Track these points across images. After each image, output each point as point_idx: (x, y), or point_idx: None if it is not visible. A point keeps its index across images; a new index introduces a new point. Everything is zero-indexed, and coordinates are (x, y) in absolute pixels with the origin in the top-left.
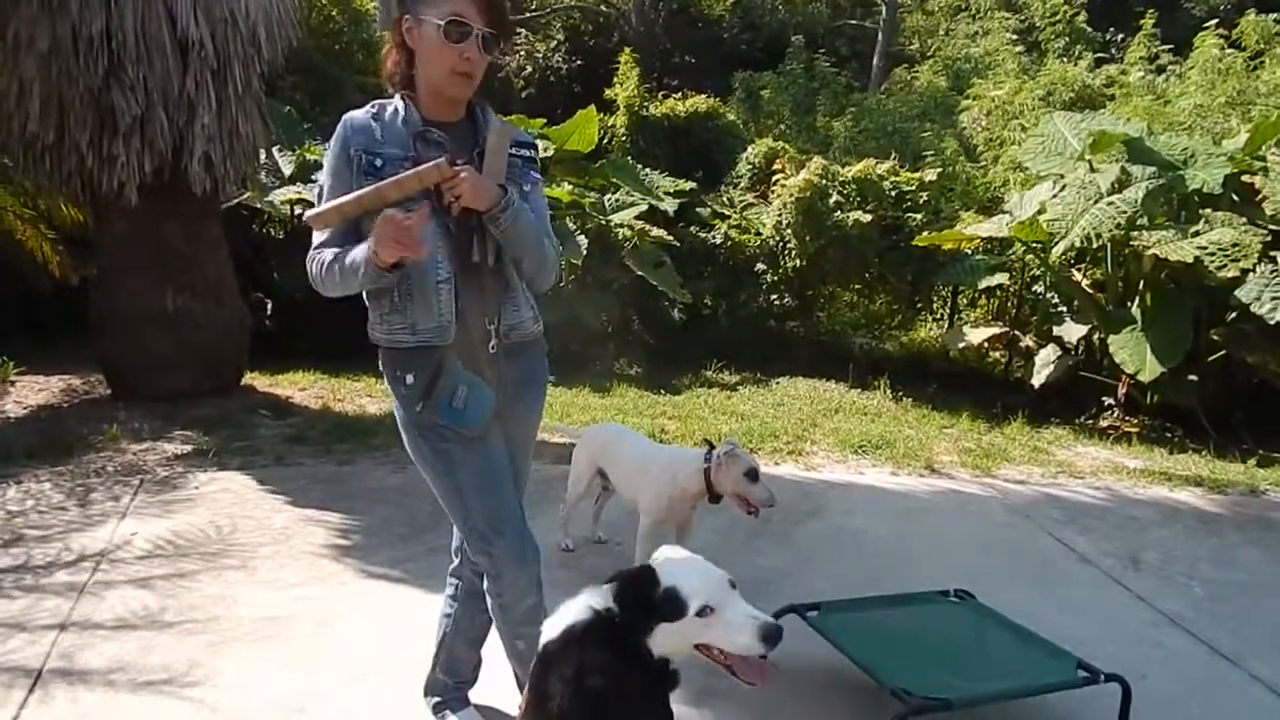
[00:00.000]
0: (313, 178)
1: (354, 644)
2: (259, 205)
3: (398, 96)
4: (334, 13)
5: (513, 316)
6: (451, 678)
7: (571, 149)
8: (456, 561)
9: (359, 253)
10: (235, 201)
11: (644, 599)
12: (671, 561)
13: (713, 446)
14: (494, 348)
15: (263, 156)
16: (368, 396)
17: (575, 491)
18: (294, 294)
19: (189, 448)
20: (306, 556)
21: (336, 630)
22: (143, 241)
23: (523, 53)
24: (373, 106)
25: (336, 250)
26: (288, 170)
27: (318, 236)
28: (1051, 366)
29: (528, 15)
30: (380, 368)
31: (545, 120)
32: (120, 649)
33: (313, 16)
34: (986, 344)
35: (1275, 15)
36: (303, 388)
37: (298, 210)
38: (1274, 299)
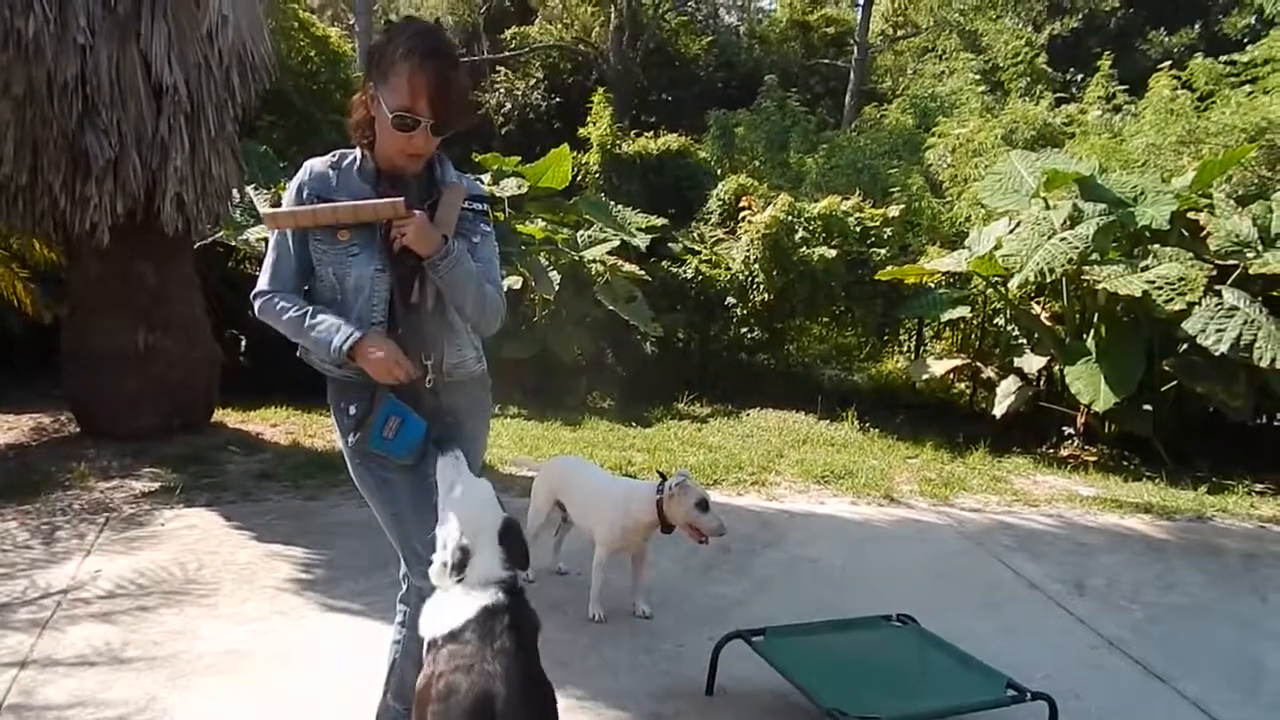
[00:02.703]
0: None
1: (314, 675)
2: (234, 243)
3: (359, 148)
4: (312, 53)
5: (455, 356)
6: (402, 703)
7: (546, 186)
8: (405, 588)
9: (335, 337)
10: (210, 240)
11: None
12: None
13: (665, 478)
14: (431, 382)
15: (237, 196)
16: (338, 433)
17: (535, 523)
18: (268, 331)
19: (156, 485)
20: (269, 591)
21: (297, 662)
22: (115, 281)
23: (502, 90)
24: (333, 156)
25: (302, 307)
26: (263, 208)
27: (266, 272)
28: (1013, 397)
29: (507, 54)
30: (328, 399)
31: (520, 158)
32: (80, 684)
33: (291, 57)
34: (951, 375)
35: (1224, 57)
36: (274, 424)
37: None
38: (1219, 331)
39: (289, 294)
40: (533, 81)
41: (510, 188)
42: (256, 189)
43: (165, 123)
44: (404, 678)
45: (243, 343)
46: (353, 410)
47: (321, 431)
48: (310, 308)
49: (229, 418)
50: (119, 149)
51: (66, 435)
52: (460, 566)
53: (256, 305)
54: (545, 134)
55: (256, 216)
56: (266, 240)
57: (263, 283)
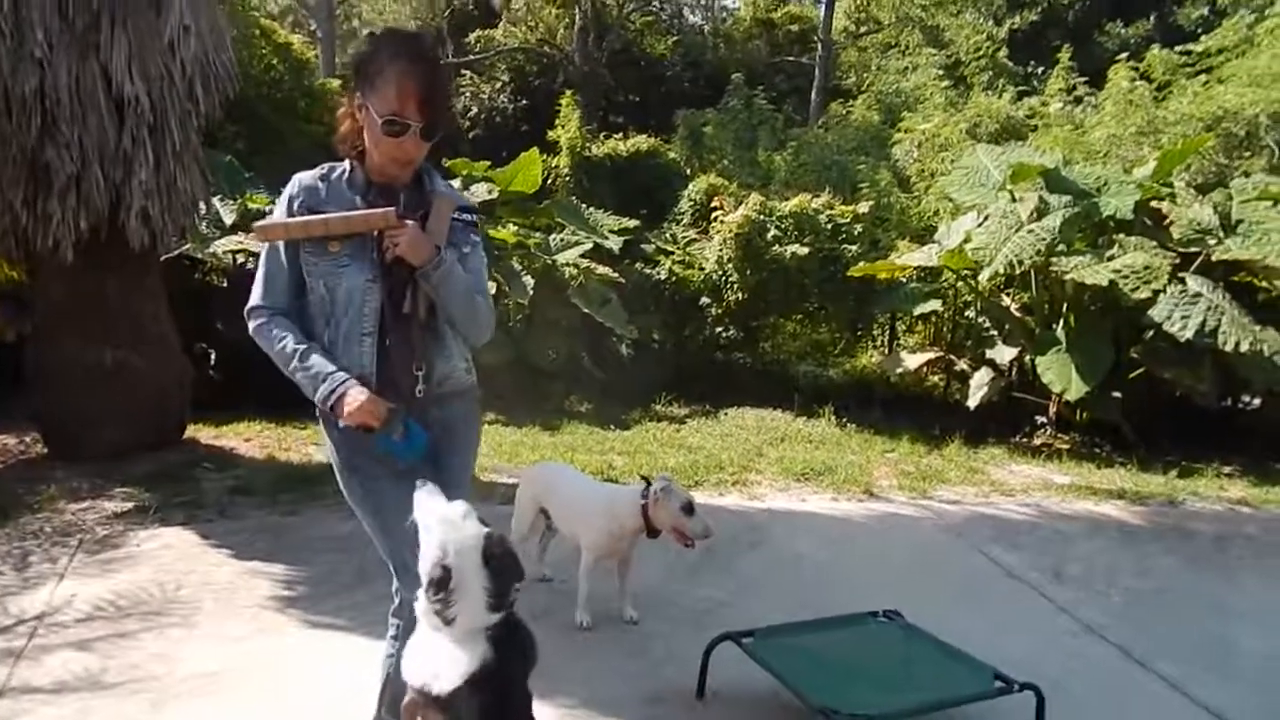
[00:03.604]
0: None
1: (300, 694)
2: (200, 255)
3: (347, 160)
4: (274, 61)
5: (445, 366)
6: (396, 718)
7: (516, 190)
8: (396, 602)
9: (321, 387)
10: (176, 252)
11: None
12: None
13: (649, 483)
14: (420, 392)
15: (203, 208)
16: (314, 445)
17: (519, 530)
18: (238, 343)
19: (129, 505)
20: (251, 609)
21: (282, 682)
22: (80, 297)
23: (469, 94)
24: (322, 168)
25: (295, 344)
26: (229, 219)
27: (260, 286)
28: (986, 388)
29: (472, 57)
30: (315, 410)
31: (490, 163)
32: (59, 713)
33: (254, 65)
34: (925, 368)
35: (1180, 48)
36: (247, 438)
37: (240, 259)
38: (1184, 318)
39: (284, 316)
40: (499, 85)
41: (480, 193)
42: (222, 200)
43: (128, 136)
44: (397, 693)
45: (212, 357)
46: (341, 422)
47: (296, 445)
48: (302, 347)
49: (201, 433)
50: (81, 164)
51: (33, 456)
52: (442, 585)
53: (251, 325)
54: (513, 137)
55: (222, 228)
56: (237, 253)
57: (256, 297)
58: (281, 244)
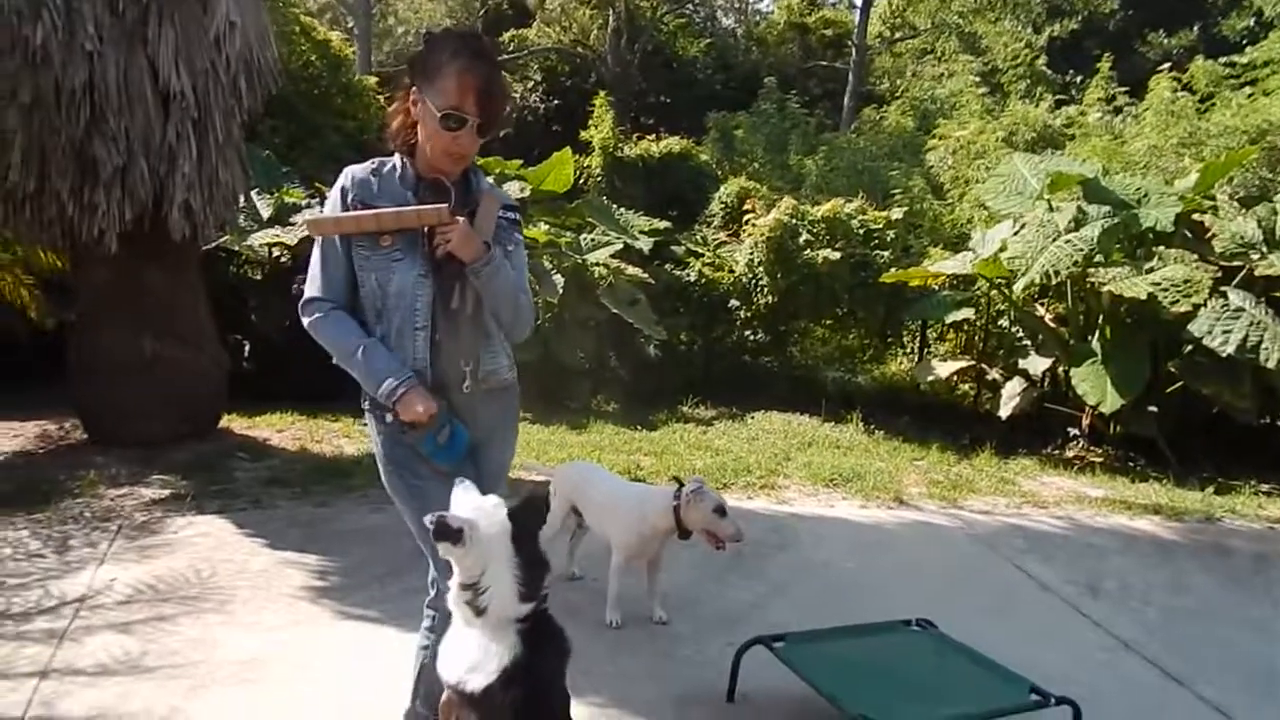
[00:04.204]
0: (291, 220)
1: (334, 686)
2: (237, 248)
3: (397, 155)
4: (313, 58)
5: (490, 363)
6: (431, 710)
7: (548, 189)
8: (433, 593)
9: (385, 382)
10: (214, 245)
11: None
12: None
13: (681, 484)
14: (468, 389)
15: (241, 201)
16: (345, 438)
17: (550, 528)
18: (272, 335)
19: (166, 492)
20: (285, 599)
21: (316, 672)
22: (121, 288)
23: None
24: (373, 163)
25: (357, 339)
26: (266, 214)
27: (316, 279)
28: (1018, 398)
29: (505, 57)
30: (362, 403)
31: (522, 161)
32: (101, 696)
33: (292, 61)
34: (955, 377)
35: (1224, 59)
36: (280, 429)
37: (276, 253)
38: (1225, 332)
39: (341, 310)
40: (531, 84)
41: (513, 191)
42: (259, 194)
43: (173, 129)
44: (431, 685)
45: (246, 348)
46: (389, 416)
47: (328, 437)
48: (365, 341)
49: (235, 424)
50: (127, 156)
51: (74, 443)
52: (452, 536)
53: (308, 318)
54: (544, 136)
55: (260, 222)
56: (269, 246)
57: (313, 290)
58: (336, 238)
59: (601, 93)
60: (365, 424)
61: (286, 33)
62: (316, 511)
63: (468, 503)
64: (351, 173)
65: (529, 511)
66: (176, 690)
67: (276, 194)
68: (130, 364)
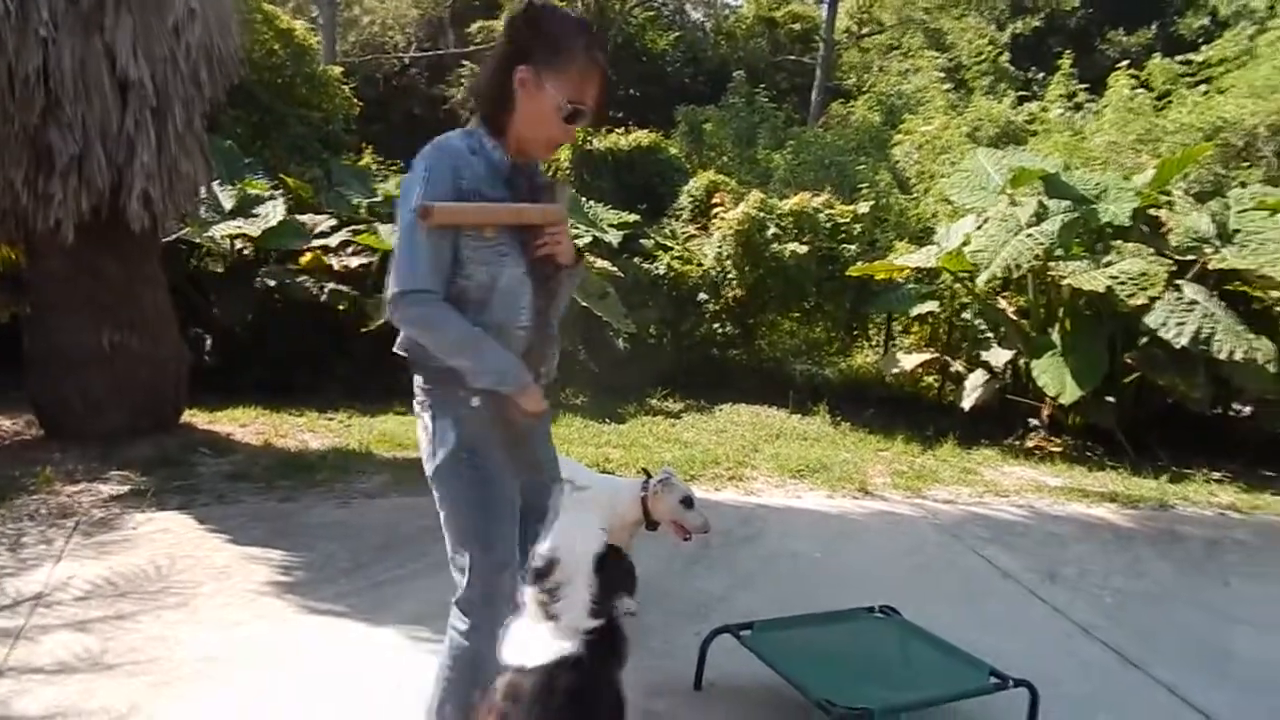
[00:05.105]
0: (254, 211)
1: (300, 680)
2: (198, 240)
3: (483, 131)
4: (277, 47)
5: (550, 361)
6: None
7: None
8: (467, 594)
9: (511, 371)
10: (174, 236)
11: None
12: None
13: (650, 476)
14: (542, 386)
15: (203, 192)
16: (310, 432)
17: None
18: (234, 329)
19: (126, 488)
20: (249, 594)
21: (282, 667)
22: (78, 279)
23: (468, 85)
24: (464, 138)
25: (470, 325)
26: (228, 205)
27: (424, 266)
28: (980, 390)
29: (474, 48)
30: (427, 391)
31: None
32: (59, 693)
33: (255, 51)
34: (920, 369)
35: (1180, 58)
36: (243, 424)
37: (238, 245)
38: (1179, 325)
39: (446, 299)
40: None
41: None
42: (221, 185)
43: (131, 118)
44: (468, 696)
45: (208, 342)
46: (475, 401)
47: (293, 431)
48: (479, 332)
49: (197, 418)
50: (83, 144)
51: (29, 438)
52: (544, 575)
53: (416, 308)
54: None
55: (222, 214)
56: (231, 237)
57: (423, 280)
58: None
59: None
60: (334, 415)
61: (249, 21)
62: (281, 506)
63: (570, 526)
64: (456, 149)
65: (620, 567)
66: (137, 687)
67: (239, 185)
68: (88, 357)
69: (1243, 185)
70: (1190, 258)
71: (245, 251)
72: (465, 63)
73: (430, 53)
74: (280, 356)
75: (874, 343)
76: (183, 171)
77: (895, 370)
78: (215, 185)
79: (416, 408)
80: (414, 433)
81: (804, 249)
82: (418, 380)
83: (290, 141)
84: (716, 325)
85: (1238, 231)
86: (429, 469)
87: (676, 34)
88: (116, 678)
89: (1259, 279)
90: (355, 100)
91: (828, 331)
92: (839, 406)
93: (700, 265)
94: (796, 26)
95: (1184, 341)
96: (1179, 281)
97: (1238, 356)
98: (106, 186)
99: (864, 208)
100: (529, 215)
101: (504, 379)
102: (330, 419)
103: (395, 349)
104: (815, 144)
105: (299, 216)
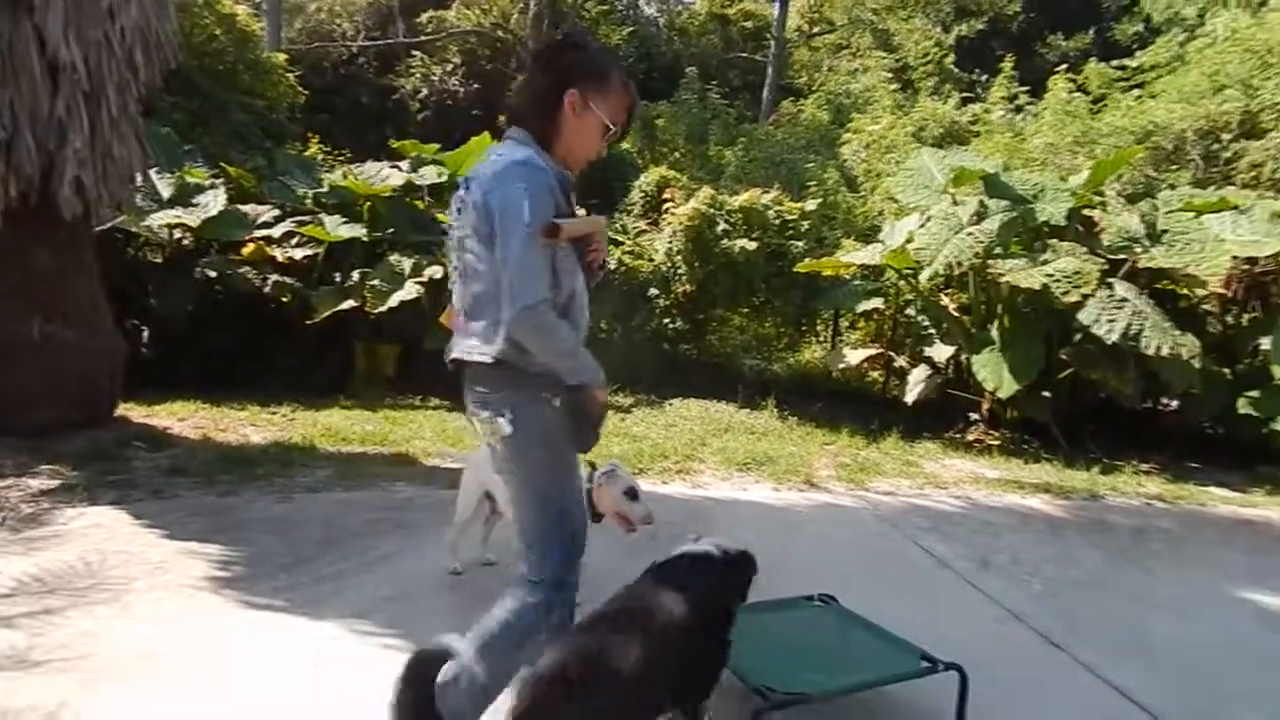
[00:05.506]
0: (194, 201)
1: (234, 675)
2: (135, 230)
3: (536, 147)
4: (218, 32)
5: None
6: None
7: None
8: (539, 579)
9: (595, 367)
10: (110, 225)
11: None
12: None
13: (595, 468)
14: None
15: (139, 180)
16: (251, 426)
17: (464, 514)
18: (173, 320)
19: (56, 483)
20: (185, 590)
21: (216, 663)
22: (8, 268)
23: (419, 76)
24: (533, 153)
25: (576, 335)
26: (166, 193)
27: (545, 279)
28: (922, 385)
29: (424, 39)
30: (506, 395)
31: (440, 145)
32: None
33: (194, 35)
34: (865, 364)
35: (1115, 62)
36: (182, 418)
37: (177, 235)
38: (1110, 321)
39: None
40: (450, 67)
41: (429, 176)
42: (159, 173)
43: (63, 102)
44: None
45: (145, 333)
46: (557, 402)
47: (233, 425)
48: (576, 336)
49: (133, 412)
50: (12, 129)
51: None
52: None
53: (538, 318)
54: (463, 120)
55: (160, 202)
56: (170, 227)
57: (543, 290)
58: None
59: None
60: (277, 409)
61: (188, 4)
62: (221, 501)
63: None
64: (544, 169)
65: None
66: (66, 684)
67: (178, 173)
68: (17, 347)
69: (1171, 187)
70: (1121, 257)
71: (185, 241)
72: (415, 53)
73: (379, 42)
74: (221, 349)
75: (821, 338)
76: (117, 157)
77: (841, 365)
78: (153, 173)
79: (483, 412)
80: (359, 427)
81: (753, 245)
82: (490, 385)
83: (231, 129)
84: (667, 320)
85: (1166, 232)
86: (515, 465)
87: (630, 29)
88: (45, 674)
89: (1185, 277)
90: (300, 89)
91: (776, 327)
92: (787, 401)
93: (651, 260)
94: (749, 24)
95: (1115, 338)
96: (1111, 280)
97: (1165, 352)
98: (36, 172)
99: (812, 205)
100: (596, 225)
101: (596, 376)
102: (273, 413)
103: (469, 357)
104: (766, 141)
105: (241, 206)
